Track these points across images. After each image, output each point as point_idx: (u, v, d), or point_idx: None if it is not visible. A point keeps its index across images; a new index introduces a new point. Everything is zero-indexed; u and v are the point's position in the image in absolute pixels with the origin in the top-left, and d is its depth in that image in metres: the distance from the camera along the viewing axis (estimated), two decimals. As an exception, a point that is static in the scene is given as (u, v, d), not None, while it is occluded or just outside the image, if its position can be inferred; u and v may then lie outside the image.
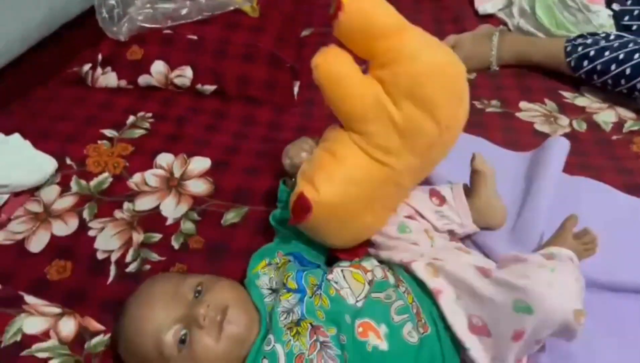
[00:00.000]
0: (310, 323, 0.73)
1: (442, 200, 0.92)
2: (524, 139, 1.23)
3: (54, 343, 0.81)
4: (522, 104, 1.34)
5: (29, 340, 0.80)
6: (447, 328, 0.73)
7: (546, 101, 1.35)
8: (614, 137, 1.23)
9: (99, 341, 0.84)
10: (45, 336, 0.81)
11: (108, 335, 0.84)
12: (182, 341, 0.72)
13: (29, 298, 0.87)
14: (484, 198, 0.92)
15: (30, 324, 0.82)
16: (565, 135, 1.22)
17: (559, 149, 1.10)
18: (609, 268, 0.89)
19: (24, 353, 0.78)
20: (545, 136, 1.23)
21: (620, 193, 1.06)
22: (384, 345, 0.71)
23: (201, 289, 0.76)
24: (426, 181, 0.96)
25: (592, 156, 1.18)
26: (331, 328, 0.73)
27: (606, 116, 1.29)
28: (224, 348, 0.72)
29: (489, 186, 0.93)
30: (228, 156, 1.18)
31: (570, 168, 1.11)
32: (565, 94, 1.37)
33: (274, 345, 0.72)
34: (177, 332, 0.72)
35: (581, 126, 1.26)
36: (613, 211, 1.01)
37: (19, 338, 0.80)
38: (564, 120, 1.28)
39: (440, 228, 0.89)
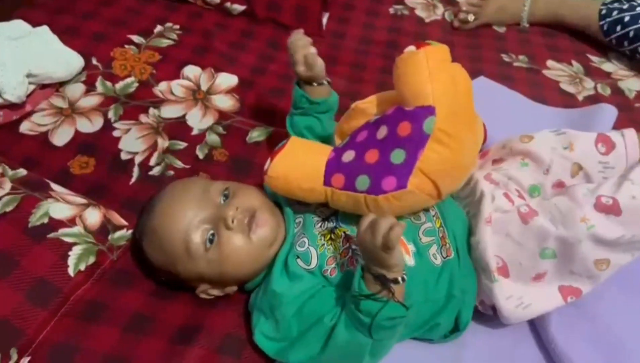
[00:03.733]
0: (345, 232, 0.75)
1: (611, 146, 0.84)
2: (550, 95, 1.24)
3: (79, 230, 0.82)
4: (550, 63, 1.34)
5: (55, 224, 0.81)
6: (468, 256, 0.75)
7: (573, 62, 1.35)
8: (637, 104, 1.24)
9: (121, 235, 0.85)
10: (71, 222, 0.82)
11: (130, 231, 0.86)
12: (210, 240, 0.74)
13: (56, 186, 0.88)
14: None
15: (57, 209, 0.83)
16: (589, 97, 1.24)
17: (607, 116, 1.10)
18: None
19: (50, 235, 0.79)
20: (570, 96, 1.24)
21: None
22: (411, 262, 0.73)
23: (228, 193, 0.77)
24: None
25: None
26: None
27: (631, 83, 1.30)
28: (251, 249, 0.74)
29: None
30: (254, 76, 1.18)
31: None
32: (593, 58, 1.37)
33: (307, 247, 0.74)
34: (205, 231, 0.74)
35: (605, 91, 1.27)
36: None
37: (46, 220, 0.81)
38: (589, 82, 1.29)
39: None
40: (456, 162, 0.69)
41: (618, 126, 1.16)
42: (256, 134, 1.05)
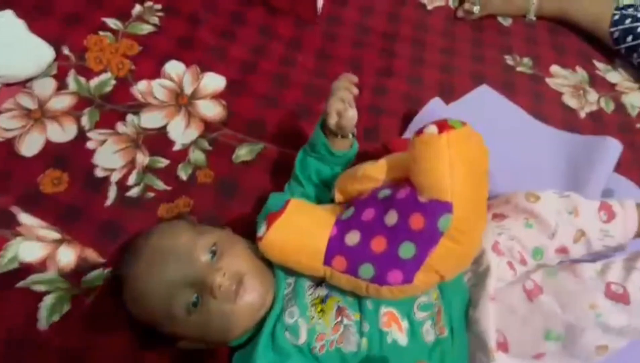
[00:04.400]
0: (338, 303, 0.72)
1: (612, 216, 0.82)
2: (551, 110, 1.18)
3: (52, 275, 0.76)
4: (553, 69, 1.27)
5: (26, 268, 0.76)
6: (463, 333, 0.73)
7: (578, 68, 1.28)
8: (638, 125, 1.20)
9: (98, 275, 0.80)
10: (42, 266, 0.77)
11: (107, 270, 0.81)
12: (194, 304, 0.69)
13: (24, 217, 0.81)
14: None
15: (27, 250, 0.77)
16: (591, 114, 1.19)
17: (611, 154, 1.05)
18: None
19: (19, 284, 0.74)
20: (572, 111, 1.19)
21: None
22: (403, 340, 0.70)
23: (216, 250, 0.72)
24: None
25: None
26: (356, 314, 0.72)
27: (635, 98, 1.24)
28: (236, 316, 0.70)
29: None
30: (244, 75, 1.09)
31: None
32: (598, 64, 1.30)
33: (297, 320, 0.70)
34: (189, 295, 0.69)
35: (608, 106, 1.22)
36: None
37: (15, 265, 0.75)
38: (592, 95, 1.23)
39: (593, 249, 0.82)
40: (467, 255, 0.65)
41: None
42: (244, 153, 0.98)
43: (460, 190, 0.62)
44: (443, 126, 0.63)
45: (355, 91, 0.80)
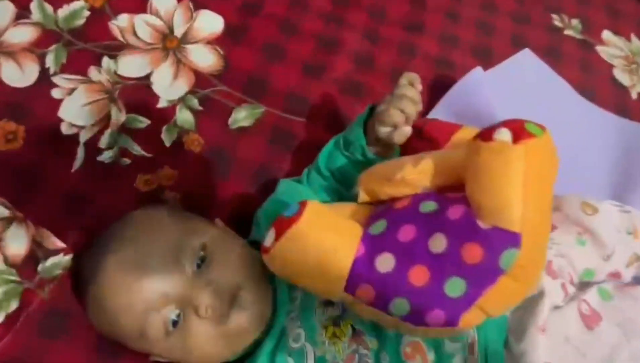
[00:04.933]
0: (352, 326, 0.59)
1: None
2: (600, 85, 1.02)
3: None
4: (605, 35, 1.10)
5: (-36, 256, 0.61)
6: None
7: (632, 37, 1.11)
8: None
9: (56, 262, 0.65)
10: (-14, 253, 0.62)
11: (68, 256, 0.66)
12: (174, 323, 0.56)
13: (-33, 185, 0.66)
14: None
15: (-33, 231, 0.62)
16: (641, 95, 1.03)
17: None
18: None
19: (-44, 276, 0.60)
20: (623, 89, 1.03)
21: None
22: (427, 371, 0.58)
23: (205, 256, 0.58)
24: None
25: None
26: (373, 340, 0.59)
27: (695, 79, 1.09)
28: (223, 340, 0.58)
29: None
30: (245, 18, 0.90)
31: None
32: (657, 32, 1.13)
33: (303, 344, 0.58)
34: (169, 312, 0.56)
35: (664, 87, 1.06)
36: None
37: (-51, 252, 0.61)
38: (647, 71, 1.07)
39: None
40: (524, 294, 0.51)
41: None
42: (242, 116, 0.81)
43: (532, 219, 0.47)
44: (520, 131, 0.48)
45: (420, 106, 0.65)
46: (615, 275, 0.68)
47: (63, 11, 0.82)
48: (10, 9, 0.81)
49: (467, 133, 0.67)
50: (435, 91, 0.90)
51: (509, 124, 0.49)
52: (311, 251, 0.53)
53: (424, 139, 0.69)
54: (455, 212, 0.50)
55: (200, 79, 0.82)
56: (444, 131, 0.68)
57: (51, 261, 0.65)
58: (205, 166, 0.77)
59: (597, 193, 0.83)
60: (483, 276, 0.48)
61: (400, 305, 0.50)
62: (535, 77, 1.00)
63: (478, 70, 0.90)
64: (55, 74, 0.78)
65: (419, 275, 0.50)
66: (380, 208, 0.57)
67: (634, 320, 0.59)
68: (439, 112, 0.85)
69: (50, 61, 0.78)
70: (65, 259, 0.66)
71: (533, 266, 0.49)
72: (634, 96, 1.03)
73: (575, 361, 0.59)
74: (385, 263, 0.51)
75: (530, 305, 0.61)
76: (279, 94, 0.84)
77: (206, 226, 0.62)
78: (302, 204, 0.55)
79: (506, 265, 0.47)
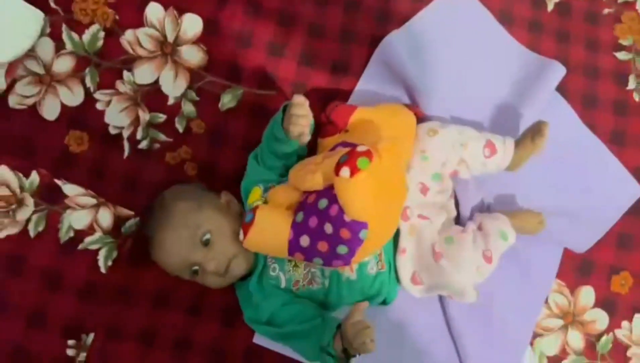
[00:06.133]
0: None
1: (494, 151, 1.04)
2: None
3: (99, 235, 1.06)
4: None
5: (80, 234, 1.05)
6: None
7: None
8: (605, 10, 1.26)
9: (131, 224, 1.09)
10: (91, 229, 1.06)
11: (137, 219, 1.09)
12: (195, 272, 0.99)
13: (66, 188, 1.06)
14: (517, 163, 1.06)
15: (76, 220, 1.05)
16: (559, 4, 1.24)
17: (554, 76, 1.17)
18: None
19: (80, 247, 1.04)
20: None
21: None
22: (353, 276, 1.00)
23: (209, 239, 0.97)
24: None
25: None
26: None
27: None
28: (227, 280, 1.01)
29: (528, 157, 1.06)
30: (217, 13, 1.16)
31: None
32: None
33: (278, 272, 1.01)
34: (191, 266, 0.98)
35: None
36: None
37: (72, 234, 1.04)
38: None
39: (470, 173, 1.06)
40: (378, 248, 0.97)
41: None
42: (228, 100, 1.14)
43: (371, 213, 0.87)
44: (354, 169, 0.84)
45: (311, 116, 1.00)
46: (454, 173, 1.07)
47: (85, 36, 1.12)
48: (51, 44, 1.11)
49: (361, 114, 1.04)
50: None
51: (348, 162, 0.84)
52: (265, 240, 0.95)
53: (330, 123, 1.05)
54: (334, 210, 0.88)
55: (194, 75, 1.14)
56: (343, 115, 1.04)
57: (127, 224, 1.08)
58: (209, 143, 1.13)
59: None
60: (354, 243, 0.88)
61: (317, 261, 0.92)
62: (462, 13, 1.22)
63: (392, 36, 1.16)
64: (94, 91, 1.11)
65: (323, 246, 0.90)
66: (302, 201, 0.95)
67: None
68: (366, 81, 1.16)
69: (88, 82, 1.11)
70: (134, 221, 1.09)
71: (377, 237, 0.91)
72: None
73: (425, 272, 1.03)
74: (305, 241, 0.92)
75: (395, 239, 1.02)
76: (252, 77, 1.14)
77: (212, 212, 1.00)
78: (254, 211, 0.94)
79: (363, 237, 0.87)
